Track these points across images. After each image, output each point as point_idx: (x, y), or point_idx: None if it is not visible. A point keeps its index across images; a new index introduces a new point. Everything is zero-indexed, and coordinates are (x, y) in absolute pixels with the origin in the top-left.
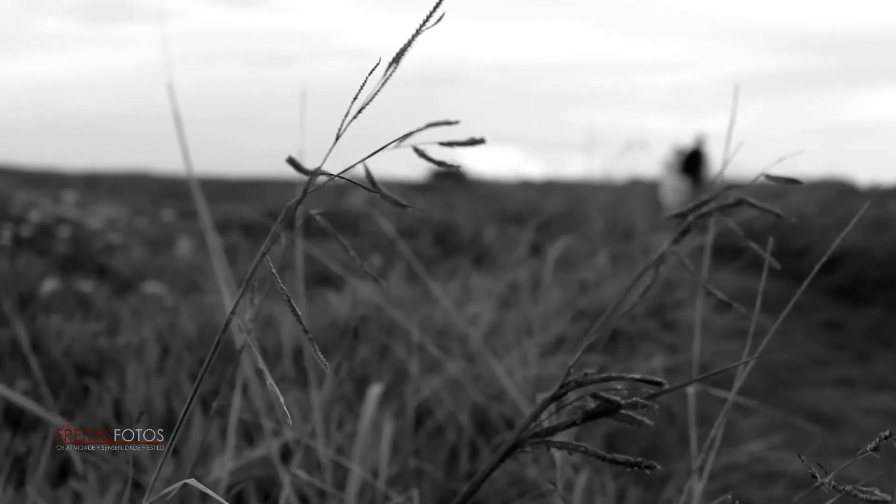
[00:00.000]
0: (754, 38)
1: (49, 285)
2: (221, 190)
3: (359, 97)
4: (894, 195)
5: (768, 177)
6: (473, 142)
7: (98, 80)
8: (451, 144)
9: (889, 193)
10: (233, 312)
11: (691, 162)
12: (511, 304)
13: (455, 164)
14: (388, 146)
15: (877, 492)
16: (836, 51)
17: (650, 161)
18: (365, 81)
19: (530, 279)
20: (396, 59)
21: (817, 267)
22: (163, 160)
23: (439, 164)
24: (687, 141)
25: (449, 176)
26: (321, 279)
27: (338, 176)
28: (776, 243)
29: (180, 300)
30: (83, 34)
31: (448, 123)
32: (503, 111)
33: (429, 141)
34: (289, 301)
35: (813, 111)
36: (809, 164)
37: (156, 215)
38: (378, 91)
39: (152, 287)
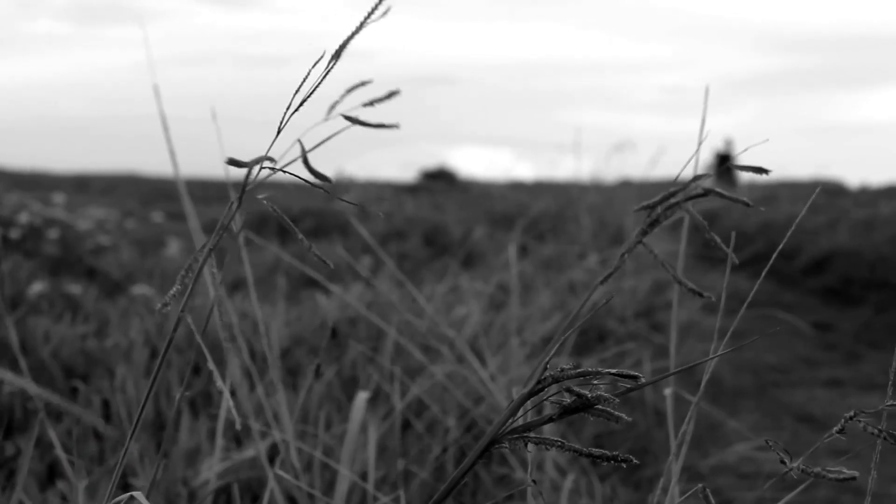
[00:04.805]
0: (746, 37)
1: (37, 287)
2: (212, 192)
3: (298, 89)
4: (884, 196)
5: (737, 166)
6: (391, 94)
7: (89, 81)
8: (371, 103)
9: (878, 194)
10: (183, 311)
11: (720, 164)
12: (500, 306)
13: (392, 124)
14: (322, 122)
15: (844, 470)
16: (828, 51)
17: (640, 162)
18: (307, 74)
19: (520, 280)
20: (337, 55)
21: (774, 255)
22: (154, 162)
23: (376, 126)
24: (678, 141)
25: (439, 177)
26: (311, 281)
27: (281, 169)
28: (766, 245)
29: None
30: (75, 35)
31: (363, 84)
32: (495, 112)
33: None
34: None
35: (805, 111)
36: (800, 165)
37: (146, 217)
38: (317, 86)
39: (141, 289)
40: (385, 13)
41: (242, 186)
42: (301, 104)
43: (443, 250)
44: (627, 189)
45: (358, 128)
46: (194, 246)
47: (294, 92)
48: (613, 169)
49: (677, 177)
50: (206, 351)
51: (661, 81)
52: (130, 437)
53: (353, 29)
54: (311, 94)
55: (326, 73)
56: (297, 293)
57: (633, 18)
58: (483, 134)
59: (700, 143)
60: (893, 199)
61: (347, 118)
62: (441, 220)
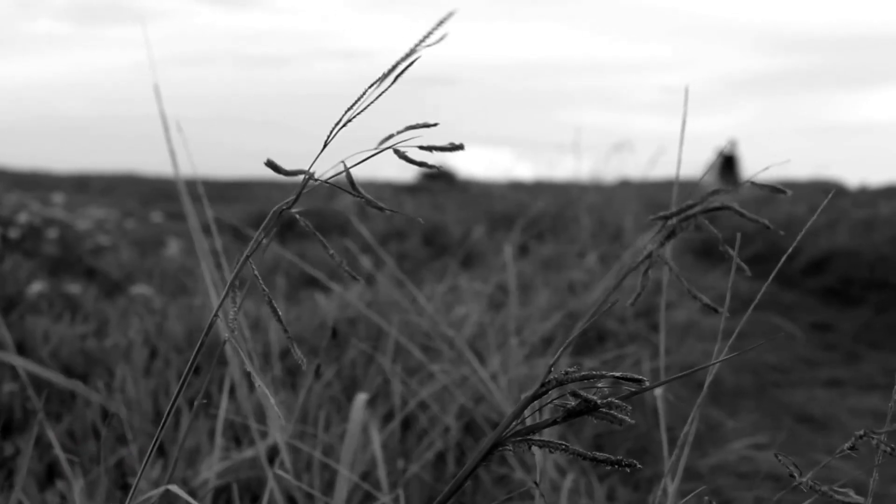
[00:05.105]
0: (746, 38)
1: (37, 287)
2: (211, 191)
3: (352, 107)
4: (883, 196)
5: (754, 184)
6: (453, 147)
7: (89, 81)
8: (430, 149)
9: (878, 194)
10: (216, 315)
11: (726, 164)
12: (500, 306)
13: (438, 165)
14: (371, 151)
15: (851, 493)
16: (827, 51)
17: (639, 162)
18: (364, 93)
19: (519, 280)
20: (396, 74)
21: (780, 264)
22: (153, 161)
23: (421, 164)
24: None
25: (439, 177)
26: (311, 281)
27: (326, 182)
28: (765, 245)
29: (169, 302)
30: (75, 35)
31: (427, 126)
32: (495, 112)
33: (412, 144)
34: (270, 303)
35: (804, 111)
36: (800, 165)
37: (145, 217)
38: (367, 106)
39: (140, 289)
40: (441, 39)
41: (297, 193)
42: (348, 121)
43: (442, 250)
44: (627, 189)
45: (358, 128)
46: (194, 246)
47: (346, 109)
48: (613, 169)
49: (697, 185)
50: (249, 362)
51: (660, 81)
52: (152, 449)
53: (409, 49)
54: (363, 110)
55: (382, 93)
56: (296, 293)
57: (634, 18)
58: (483, 134)
59: (681, 144)
60: (893, 200)
61: (398, 153)
62: (441, 220)
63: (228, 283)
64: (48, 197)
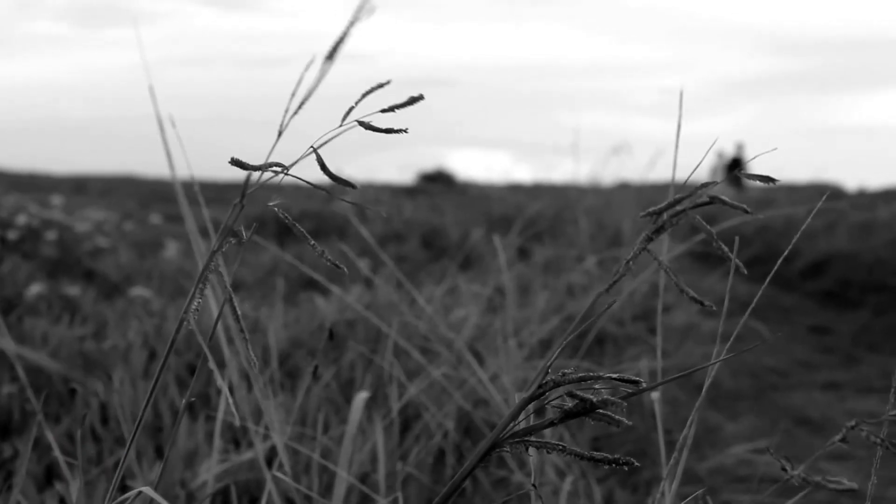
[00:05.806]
0: (746, 40)
1: (35, 288)
2: (211, 193)
3: (295, 92)
4: (881, 199)
5: (742, 174)
6: (413, 100)
7: (88, 82)
8: (392, 109)
9: (876, 197)
10: (185, 312)
11: (732, 167)
12: (498, 308)
13: (401, 128)
14: (337, 130)
15: (845, 481)
16: (827, 53)
17: (637, 164)
18: (301, 77)
19: (518, 282)
20: (330, 55)
21: (777, 266)
22: (152, 163)
23: (386, 131)
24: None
25: (437, 179)
26: (310, 283)
27: (286, 171)
28: (763, 247)
29: (167, 304)
30: (74, 37)
31: (380, 86)
32: (493, 114)
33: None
34: (231, 301)
35: (804, 114)
36: (799, 168)
37: (144, 219)
38: (315, 88)
39: (139, 290)
40: (371, 12)
41: (243, 190)
42: (300, 107)
43: (441, 252)
44: (625, 192)
45: (358, 130)
46: (192, 248)
47: (291, 94)
48: (611, 171)
49: (685, 181)
50: (206, 350)
51: (659, 83)
52: (132, 439)
53: (343, 30)
54: (309, 96)
55: (322, 76)
56: (295, 295)
57: (633, 19)
58: (481, 136)
59: (677, 147)
60: (891, 202)
61: (362, 124)
62: (439, 222)
63: (198, 279)
64: (47, 199)
